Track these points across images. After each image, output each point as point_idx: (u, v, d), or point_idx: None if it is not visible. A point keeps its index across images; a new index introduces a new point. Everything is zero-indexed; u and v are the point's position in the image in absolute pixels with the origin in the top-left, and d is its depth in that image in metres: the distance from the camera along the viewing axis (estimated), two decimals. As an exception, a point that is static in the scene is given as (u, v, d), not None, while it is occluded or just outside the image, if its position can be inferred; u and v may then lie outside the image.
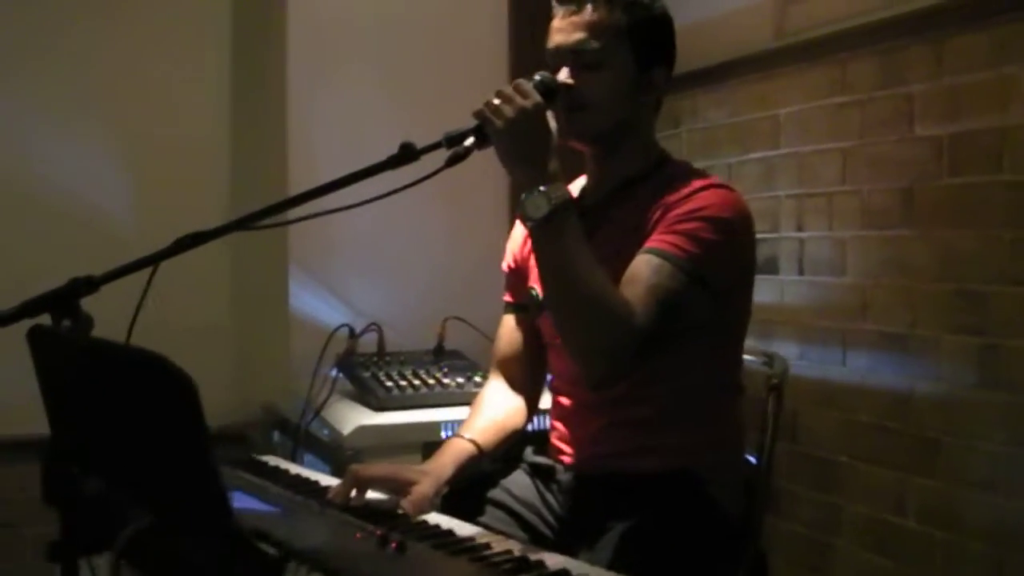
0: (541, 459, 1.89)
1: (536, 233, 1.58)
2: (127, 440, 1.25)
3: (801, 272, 2.42)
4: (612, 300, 1.56)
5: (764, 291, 2.53)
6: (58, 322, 1.43)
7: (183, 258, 3.05)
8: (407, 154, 1.60)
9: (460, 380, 2.36)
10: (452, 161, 1.60)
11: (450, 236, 2.90)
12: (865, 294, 2.23)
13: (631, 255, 1.65)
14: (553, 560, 1.36)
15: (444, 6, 2.98)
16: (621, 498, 1.70)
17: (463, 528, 1.53)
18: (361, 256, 2.86)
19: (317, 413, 2.31)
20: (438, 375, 2.36)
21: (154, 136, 3.06)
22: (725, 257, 1.65)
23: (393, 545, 1.35)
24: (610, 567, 1.55)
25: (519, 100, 1.57)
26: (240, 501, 1.55)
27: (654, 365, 1.68)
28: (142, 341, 3.03)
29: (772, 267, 2.51)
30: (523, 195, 1.57)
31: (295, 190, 2.71)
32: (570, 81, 1.73)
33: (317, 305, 2.81)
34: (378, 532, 1.40)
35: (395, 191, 1.60)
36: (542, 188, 1.55)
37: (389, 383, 2.30)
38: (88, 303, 1.40)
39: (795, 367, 2.43)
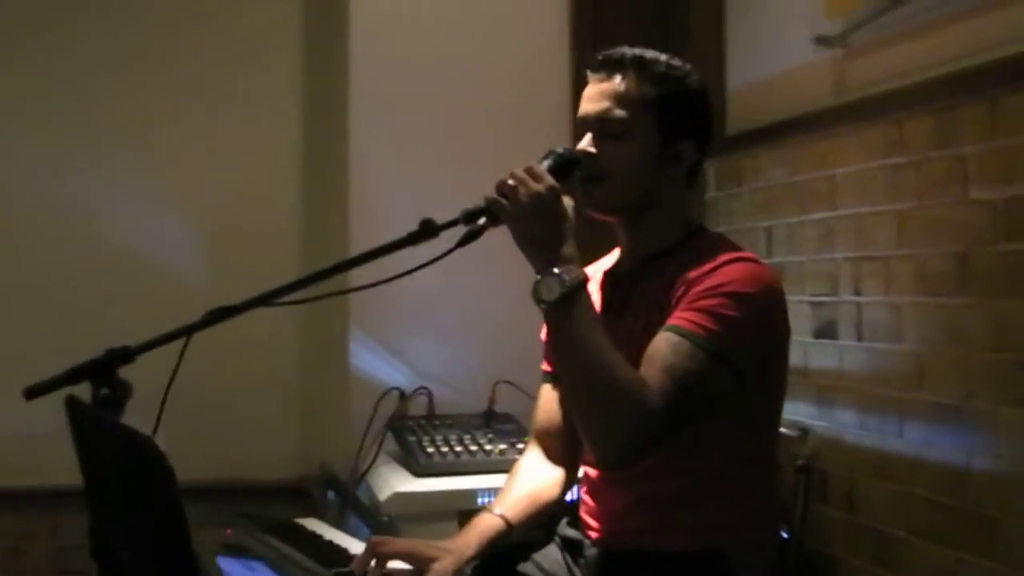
0: (572, 532, 1.86)
1: (548, 315, 1.58)
2: (123, 513, 1.28)
3: (860, 338, 2.33)
4: (624, 383, 1.53)
5: (824, 356, 2.45)
6: (96, 390, 1.48)
7: (255, 314, 3.13)
8: (427, 230, 1.62)
9: (503, 446, 2.34)
10: (465, 240, 1.60)
11: (509, 299, 2.87)
12: (921, 362, 2.13)
13: (654, 323, 1.63)
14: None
15: (506, 66, 2.99)
16: (645, 576, 1.67)
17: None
18: (420, 318, 2.88)
19: (363, 475, 2.32)
20: (482, 441, 2.35)
21: (226, 198, 3.17)
22: (748, 333, 1.61)
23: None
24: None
25: (532, 184, 1.57)
26: (256, 574, 1.56)
27: (679, 441, 1.64)
28: (213, 394, 3.15)
29: (831, 332, 2.42)
30: (536, 278, 1.56)
31: (357, 249, 2.78)
32: (592, 150, 1.72)
33: (376, 364, 2.83)
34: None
35: (413, 270, 1.61)
36: (555, 271, 1.55)
37: (431, 448, 2.30)
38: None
39: (854, 436, 2.35)
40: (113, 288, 3.04)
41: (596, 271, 1.87)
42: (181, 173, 3.15)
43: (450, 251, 1.60)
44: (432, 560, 1.68)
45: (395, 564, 1.67)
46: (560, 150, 1.69)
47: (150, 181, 3.12)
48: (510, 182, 1.58)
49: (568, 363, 1.58)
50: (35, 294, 3.04)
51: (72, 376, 1.45)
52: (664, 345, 1.57)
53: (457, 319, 2.88)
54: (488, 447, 2.33)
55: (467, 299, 2.87)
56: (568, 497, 1.92)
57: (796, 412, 2.53)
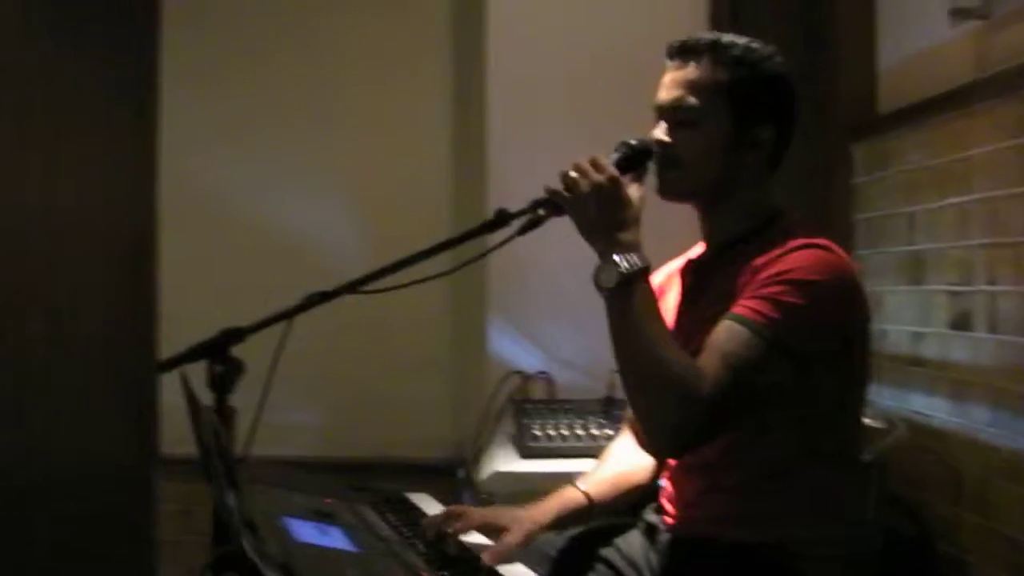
0: (653, 518, 1.86)
1: (608, 302, 1.59)
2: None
3: (993, 330, 2.19)
4: (678, 371, 1.53)
5: (957, 348, 2.32)
6: (212, 367, 1.63)
7: (410, 299, 3.28)
8: (500, 219, 1.68)
9: (611, 433, 2.35)
10: (524, 229, 1.65)
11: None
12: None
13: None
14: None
15: (640, 48, 2.95)
16: (708, 566, 1.65)
17: (512, 573, 1.54)
18: (554, 303, 2.91)
19: (479, 454, 2.39)
20: (593, 427, 2.37)
21: (384, 187, 3.31)
22: (812, 322, 1.57)
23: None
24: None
25: (593, 175, 1.59)
26: (327, 537, 1.63)
27: (745, 432, 1.62)
28: (371, 373, 3.28)
29: (965, 323, 2.28)
30: (597, 264, 1.58)
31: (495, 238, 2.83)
32: (665, 139, 1.71)
33: (511, 348, 2.89)
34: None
35: (462, 265, 1.67)
36: (615, 258, 1.57)
37: (539, 431, 2.34)
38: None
39: (986, 434, 2.21)
40: (276, 266, 3.23)
41: (685, 259, 1.86)
42: (342, 156, 3.31)
43: (509, 239, 1.65)
44: (502, 530, 1.73)
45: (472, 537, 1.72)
46: (633, 141, 1.71)
47: (312, 163, 3.30)
48: (572, 173, 1.60)
49: (624, 350, 1.58)
50: (203, 272, 3.25)
51: (192, 354, 1.60)
52: (722, 333, 1.55)
53: (588, 304, 2.89)
54: (596, 433, 2.35)
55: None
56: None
57: (932, 407, 2.41)
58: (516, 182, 2.97)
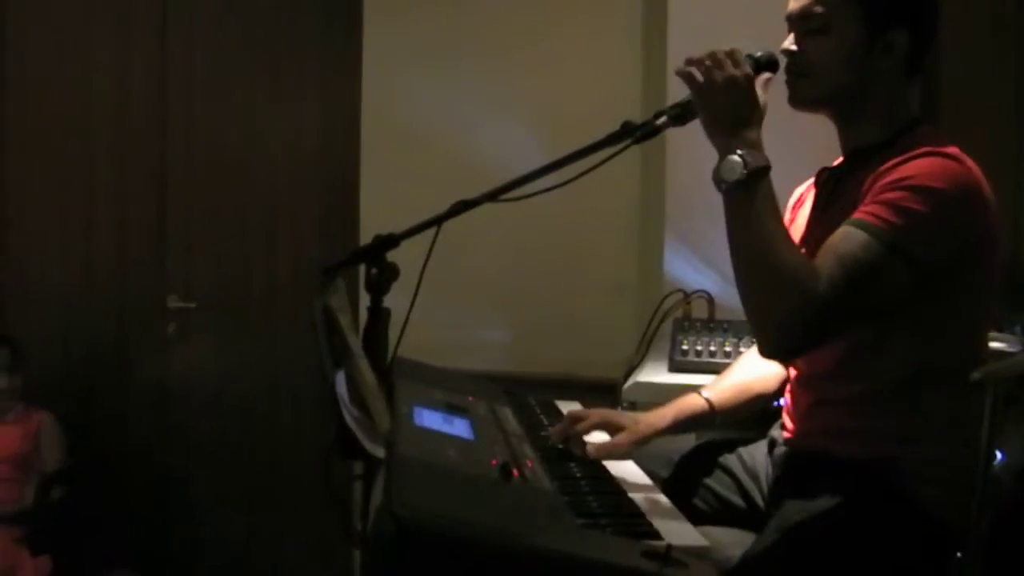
0: (776, 432, 1.88)
1: (728, 197, 1.57)
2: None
3: None
4: (791, 268, 1.51)
5: None
6: (369, 271, 1.77)
7: (597, 223, 3.35)
8: (625, 131, 1.70)
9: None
10: (641, 138, 1.67)
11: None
12: None
13: None
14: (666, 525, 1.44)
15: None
16: (819, 480, 1.65)
17: (621, 471, 1.63)
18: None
19: (633, 368, 2.46)
20: (742, 346, 2.37)
21: (572, 120, 3.36)
22: (933, 229, 1.53)
23: (514, 473, 1.46)
24: (768, 555, 1.55)
25: (729, 68, 1.57)
26: (448, 425, 1.74)
27: (855, 344, 1.60)
28: (558, 293, 3.39)
29: None
30: (720, 159, 1.57)
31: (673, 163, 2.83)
32: (793, 47, 1.70)
33: (686, 269, 2.91)
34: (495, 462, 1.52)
35: (581, 174, 1.69)
36: (739, 152, 1.54)
37: (687, 346, 2.37)
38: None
39: None
40: (466, 191, 3.37)
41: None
42: (534, 89, 3.40)
43: (626, 146, 1.68)
44: (618, 428, 1.80)
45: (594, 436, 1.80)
46: (758, 54, 1.68)
47: (505, 95, 3.41)
48: (707, 62, 1.58)
49: (740, 247, 1.56)
50: (401, 197, 3.44)
51: (352, 259, 1.73)
52: (840, 236, 1.53)
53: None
54: (742, 350, 2.34)
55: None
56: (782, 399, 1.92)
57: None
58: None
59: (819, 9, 1.67)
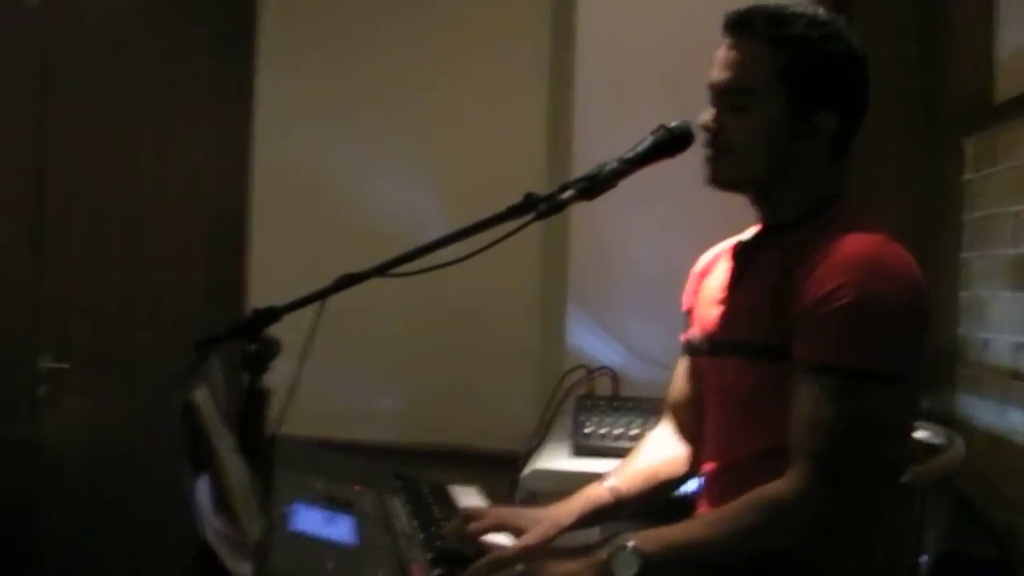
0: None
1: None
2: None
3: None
4: (754, 526, 1.44)
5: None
6: (247, 346, 1.61)
7: (500, 290, 3.22)
8: (528, 203, 1.60)
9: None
10: (546, 212, 1.57)
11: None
12: None
13: (765, 303, 1.54)
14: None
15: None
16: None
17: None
18: (637, 296, 2.81)
19: (533, 449, 2.33)
20: (648, 426, 2.26)
21: (476, 170, 3.26)
22: (898, 342, 1.47)
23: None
24: None
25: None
26: (329, 527, 1.60)
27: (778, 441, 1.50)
28: (458, 360, 3.26)
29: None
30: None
31: (576, 220, 2.75)
32: (711, 123, 1.60)
33: (590, 341, 2.81)
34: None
35: (480, 250, 1.58)
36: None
37: (590, 429, 2.26)
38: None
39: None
40: (365, 246, 3.23)
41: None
42: (434, 138, 3.29)
43: (526, 223, 1.57)
44: (521, 531, 1.67)
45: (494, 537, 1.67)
46: (671, 125, 1.59)
47: (404, 144, 3.29)
48: None
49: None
50: (294, 252, 3.28)
51: (227, 334, 1.57)
52: (807, 404, 1.45)
53: (668, 298, 2.78)
54: (648, 431, 2.24)
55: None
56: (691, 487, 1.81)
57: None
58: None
59: (744, 86, 1.57)
